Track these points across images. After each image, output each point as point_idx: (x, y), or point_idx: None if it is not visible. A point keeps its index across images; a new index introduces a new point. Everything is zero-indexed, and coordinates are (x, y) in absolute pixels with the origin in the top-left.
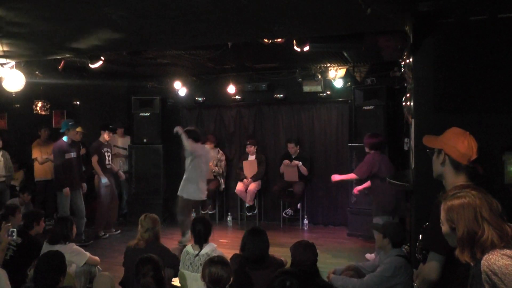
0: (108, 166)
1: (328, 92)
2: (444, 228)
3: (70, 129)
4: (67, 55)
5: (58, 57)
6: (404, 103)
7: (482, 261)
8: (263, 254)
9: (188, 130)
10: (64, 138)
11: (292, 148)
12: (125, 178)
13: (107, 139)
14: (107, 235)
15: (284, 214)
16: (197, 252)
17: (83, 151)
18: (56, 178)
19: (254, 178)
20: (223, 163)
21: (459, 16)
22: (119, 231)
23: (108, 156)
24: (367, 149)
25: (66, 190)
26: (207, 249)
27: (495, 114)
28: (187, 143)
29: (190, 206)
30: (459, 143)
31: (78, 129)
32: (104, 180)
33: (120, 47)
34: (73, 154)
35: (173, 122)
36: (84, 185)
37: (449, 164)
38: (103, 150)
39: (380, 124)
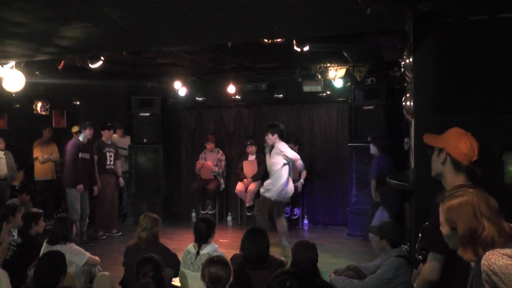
0: (108, 167)
1: (328, 92)
2: (444, 229)
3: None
4: (68, 55)
5: (58, 57)
6: (404, 103)
7: (482, 261)
8: (263, 254)
9: (272, 125)
10: (80, 138)
11: (292, 148)
12: (122, 184)
13: (108, 137)
14: (105, 236)
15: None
16: (197, 251)
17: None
18: (67, 175)
19: (254, 178)
20: (223, 163)
21: (459, 16)
22: (120, 233)
23: (110, 157)
24: (377, 153)
25: (80, 187)
26: (208, 249)
27: (495, 114)
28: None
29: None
30: (461, 143)
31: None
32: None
33: (120, 47)
34: (85, 155)
35: (173, 122)
36: (96, 188)
37: (449, 163)
38: (104, 150)
39: (380, 124)
